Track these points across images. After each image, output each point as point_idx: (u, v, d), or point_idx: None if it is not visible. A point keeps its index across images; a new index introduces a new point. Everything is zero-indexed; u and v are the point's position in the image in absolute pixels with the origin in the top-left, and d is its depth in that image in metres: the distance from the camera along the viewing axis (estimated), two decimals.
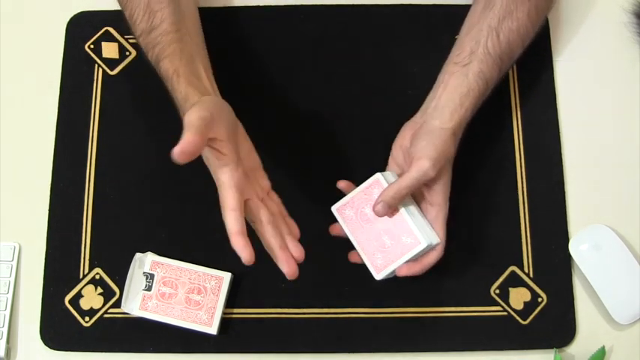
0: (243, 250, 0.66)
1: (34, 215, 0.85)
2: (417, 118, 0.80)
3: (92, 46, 0.91)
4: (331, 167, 0.86)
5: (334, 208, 0.79)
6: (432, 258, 0.77)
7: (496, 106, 0.88)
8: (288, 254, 0.71)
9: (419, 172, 0.73)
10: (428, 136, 0.76)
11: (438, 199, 0.76)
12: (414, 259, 0.76)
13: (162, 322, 0.80)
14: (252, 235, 0.70)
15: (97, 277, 0.84)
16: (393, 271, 0.76)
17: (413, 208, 0.77)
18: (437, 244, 0.76)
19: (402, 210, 0.76)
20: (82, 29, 0.92)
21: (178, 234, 0.85)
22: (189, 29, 0.80)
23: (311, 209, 0.80)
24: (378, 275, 0.76)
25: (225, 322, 0.81)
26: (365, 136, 0.87)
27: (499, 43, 0.78)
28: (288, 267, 0.70)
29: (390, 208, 0.75)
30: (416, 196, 0.79)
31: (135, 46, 0.91)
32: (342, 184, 0.81)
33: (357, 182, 0.81)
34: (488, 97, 0.84)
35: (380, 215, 0.75)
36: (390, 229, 0.76)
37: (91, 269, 0.84)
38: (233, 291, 0.82)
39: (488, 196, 0.85)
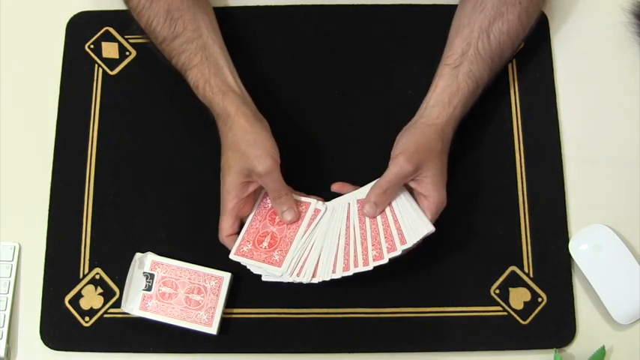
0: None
1: (34, 215, 0.85)
2: (411, 122, 0.81)
3: (92, 46, 0.91)
4: (331, 167, 0.86)
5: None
6: None
7: (496, 106, 0.88)
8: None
9: (396, 168, 0.76)
10: (409, 132, 0.78)
11: (429, 191, 0.77)
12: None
13: (162, 322, 0.80)
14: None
15: (97, 277, 0.84)
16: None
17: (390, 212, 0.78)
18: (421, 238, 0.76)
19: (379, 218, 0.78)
20: (82, 29, 0.92)
21: (178, 234, 0.85)
22: (210, 32, 0.82)
23: None
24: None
25: (225, 322, 0.81)
26: (365, 136, 0.87)
27: (489, 44, 0.80)
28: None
29: (378, 207, 0.77)
30: (409, 189, 0.79)
31: (135, 46, 0.91)
32: (335, 187, 0.83)
33: (356, 182, 0.82)
34: (488, 97, 0.85)
35: (369, 215, 0.77)
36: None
37: (91, 269, 0.84)
38: (233, 291, 0.82)
39: (489, 196, 0.85)
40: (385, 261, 0.75)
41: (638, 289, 0.81)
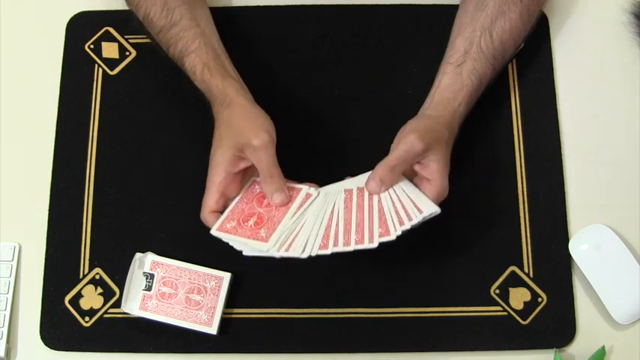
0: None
1: (34, 215, 0.85)
2: (416, 116, 0.80)
3: (92, 46, 0.91)
4: (331, 167, 0.86)
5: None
6: None
7: (496, 106, 0.88)
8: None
9: (406, 145, 0.74)
10: (417, 118, 0.78)
11: (433, 174, 0.75)
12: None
13: (162, 322, 0.80)
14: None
15: (97, 277, 0.84)
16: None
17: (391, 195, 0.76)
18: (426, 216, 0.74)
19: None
20: (82, 29, 0.92)
21: (178, 234, 0.85)
22: (207, 23, 0.83)
23: None
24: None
25: (225, 322, 0.81)
26: (365, 135, 0.87)
27: (492, 42, 0.80)
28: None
29: (384, 185, 0.75)
30: (411, 175, 0.78)
31: (135, 46, 0.91)
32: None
33: None
34: (488, 97, 0.85)
35: (373, 192, 0.75)
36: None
37: (91, 269, 0.84)
38: (233, 291, 0.82)
39: (489, 196, 0.85)
40: (387, 239, 0.71)
41: (638, 289, 0.81)
